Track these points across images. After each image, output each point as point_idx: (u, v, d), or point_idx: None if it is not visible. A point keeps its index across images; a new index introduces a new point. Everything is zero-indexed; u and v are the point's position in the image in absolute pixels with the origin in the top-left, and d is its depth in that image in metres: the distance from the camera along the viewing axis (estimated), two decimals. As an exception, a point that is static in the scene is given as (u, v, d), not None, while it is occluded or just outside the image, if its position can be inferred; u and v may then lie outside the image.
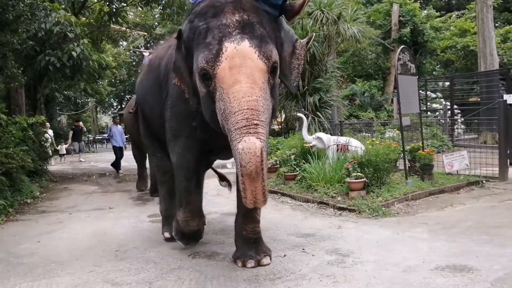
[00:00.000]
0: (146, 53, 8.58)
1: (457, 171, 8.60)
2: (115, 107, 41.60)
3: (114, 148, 13.64)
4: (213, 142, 4.09)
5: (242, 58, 3.15)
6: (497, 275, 3.61)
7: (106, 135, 22.68)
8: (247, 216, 4.15)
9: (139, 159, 9.45)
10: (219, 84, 3.19)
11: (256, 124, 3.05)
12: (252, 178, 2.97)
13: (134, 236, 5.49)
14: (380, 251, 4.38)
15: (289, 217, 6.19)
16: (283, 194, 7.76)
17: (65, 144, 18.44)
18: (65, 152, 17.83)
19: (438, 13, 26.75)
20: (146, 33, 27.24)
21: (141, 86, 5.43)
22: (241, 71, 3.13)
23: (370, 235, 5.04)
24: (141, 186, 9.38)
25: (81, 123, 18.71)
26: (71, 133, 18.34)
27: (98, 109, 37.65)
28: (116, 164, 13.43)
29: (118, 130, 13.64)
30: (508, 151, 9.02)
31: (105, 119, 44.19)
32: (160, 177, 5.27)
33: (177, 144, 4.31)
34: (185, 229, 4.50)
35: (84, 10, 16.03)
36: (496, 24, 24.86)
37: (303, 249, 4.58)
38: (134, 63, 37.29)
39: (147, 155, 6.57)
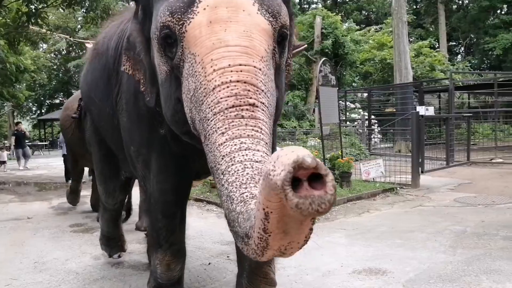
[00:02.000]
0: (90, 45, 7.66)
1: (373, 179, 9.10)
2: (33, 112, 39.57)
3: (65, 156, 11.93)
4: (196, 159, 2.69)
5: (232, 8, 1.96)
6: (408, 276, 3.88)
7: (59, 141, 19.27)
8: (259, 275, 2.99)
9: (78, 174, 7.95)
10: (190, 49, 1.96)
11: (253, 105, 1.77)
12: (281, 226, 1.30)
13: (55, 246, 5.27)
14: (301, 256, 4.53)
15: (214, 225, 6.22)
16: (208, 202, 7.79)
17: (6, 150, 17.01)
18: (5, 159, 16.33)
19: (358, 26, 28.08)
20: (68, 36, 26.17)
21: (85, 80, 3.83)
22: (230, 27, 1.92)
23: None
24: (74, 201, 8.13)
25: (22, 126, 17.21)
26: (13, 138, 16.68)
27: (15, 114, 35.56)
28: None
29: None
30: (420, 160, 9.65)
31: (26, 125, 41.99)
32: (106, 203, 4.25)
33: (144, 165, 2.97)
34: (164, 276, 3.05)
35: (0, 9, 15.15)
36: (411, 39, 26.54)
37: (228, 256, 4.63)
38: (55, 67, 35.61)
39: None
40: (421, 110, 12.40)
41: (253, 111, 1.75)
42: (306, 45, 4.03)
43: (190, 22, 1.97)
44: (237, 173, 1.55)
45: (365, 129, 16.76)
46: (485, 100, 23.17)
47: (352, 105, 21.25)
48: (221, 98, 1.76)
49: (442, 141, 14.05)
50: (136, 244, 5.21)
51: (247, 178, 1.53)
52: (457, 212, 6.68)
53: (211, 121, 1.76)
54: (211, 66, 1.84)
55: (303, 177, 1.11)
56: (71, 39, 23.54)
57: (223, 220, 6.54)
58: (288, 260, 4.42)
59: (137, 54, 2.50)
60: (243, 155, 1.60)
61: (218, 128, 1.72)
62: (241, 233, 1.44)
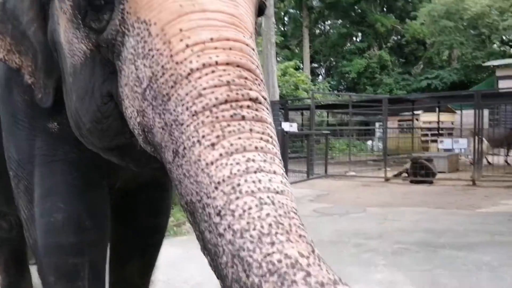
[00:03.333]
0: None
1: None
2: None
3: None
4: (117, 166, 1.76)
5: None
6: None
7: None
8: None
9: None
10: (138, 14, 1.32)
11: (255, 100, 1.21)
12: None
13: None
14: (171, 270, 4.54)
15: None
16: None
17: None
18: None
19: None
20: None
21: None
22: None
23: (161, 255, 5.17)
24: None
25: None
26: None
27: None
28: None
29: None
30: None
31: None
32: None
33: (27, 194, 1.90)
34: None
35: None
36: (278, 59, 27.95)
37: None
38: None
39: None
40: (286, 126, 13.19)
41: (257, 110, 1.18)
42: None
43: None
44: (250, 215, 0.98)
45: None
46: (341, 118, 25.24)
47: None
48: (204, 88, 1.15)
49: (304, 155, 15.03)
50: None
51: (271, 226, 0.96)
52: (316, 221, 7.20)
53: (189, 125, 1.13)
54: (181, 40, 1.22)
55: None
56: None
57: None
58: (158, 274, 4.38)
59: (21, 29, 1.70)
60: (253, 182, 1.03)
61: (204, 136, 1.10)
62: None
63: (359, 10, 33.84)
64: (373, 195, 10.31)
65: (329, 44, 35.66)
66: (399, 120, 21.96)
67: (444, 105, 19.82)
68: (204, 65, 1.19)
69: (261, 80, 1.29)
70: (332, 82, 34.28)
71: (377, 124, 22.40)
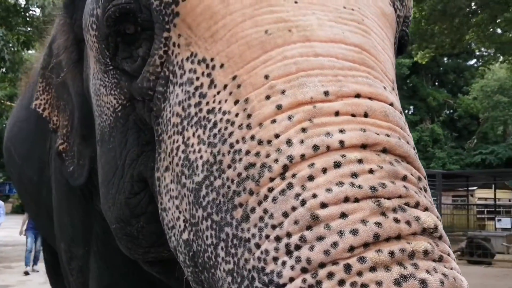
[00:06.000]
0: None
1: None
2: None
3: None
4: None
5: None
6: None
7: None
8: None
9: None
10: (194, 48, 0.82)
11: (433, 231, 0.68)
12: None
13: None
14: None
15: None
16: None
17: None
18: None
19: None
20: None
21: (8, 129, 2.52)
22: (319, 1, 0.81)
23: None
24: None
25: None
26: None
27: None
28: None
29: None
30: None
31: None
32: None
33: (81, 276, 1.65)
34: None
35: None
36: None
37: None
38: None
39: None
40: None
41: (444, 261, 0.67)
42: None
43: None
44: None
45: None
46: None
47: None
48: (321, 205, 0.66)
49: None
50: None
51: None
52: None
53: None
54: (269, 97, 0.73)
55: None
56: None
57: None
58: None
59: (62, 76, 1.29)
60: None
61: None
62: None
63: (411, 84, 33.87)
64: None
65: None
66: (453, 196, 21.20)
67: (501, 182, 19.03)
68: (316, 150, 0.68)
69: (424, 177, 0.76)
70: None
71: (430, 199, 21.67)
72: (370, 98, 0.73)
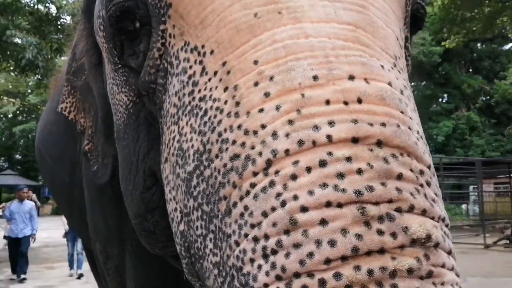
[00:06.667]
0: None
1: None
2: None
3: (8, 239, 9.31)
4: None
5: None
6: None
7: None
8: None
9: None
10: (186, 36, 0.83)
11: (428, 240, 0.63)
12: None
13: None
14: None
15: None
16: None
17: None
18: None
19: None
20: (14, 100, 25.56)
21: (38, 130, 2.52)
22: None
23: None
24: None
25: None
26: None
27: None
28: (14, 265, 8.96)
29: (23, 208, 9.16)
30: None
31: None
32: None
33: (117, 276, 1.68)
34: None
35: None
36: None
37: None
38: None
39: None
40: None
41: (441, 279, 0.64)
42: None
43: None
44: None
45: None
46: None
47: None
48: (301, 208, 0.64)
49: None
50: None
51: None
52: None
53: None
54: (257, 84, 0.70)
55: None
56: (23, 103, 23.08)
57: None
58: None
59: (86, 79, 1.36)
60: None
61: None
62: None
63: (443, 72, 33.06)
64: (473, 263, 9.47)
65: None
66: (495, 183, 20.57)
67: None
68: (301, 145, 0.64)
69: (429, 167, 0.73)
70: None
71: (471, 187, 21.10)
72: (365, 80, 0.68)
